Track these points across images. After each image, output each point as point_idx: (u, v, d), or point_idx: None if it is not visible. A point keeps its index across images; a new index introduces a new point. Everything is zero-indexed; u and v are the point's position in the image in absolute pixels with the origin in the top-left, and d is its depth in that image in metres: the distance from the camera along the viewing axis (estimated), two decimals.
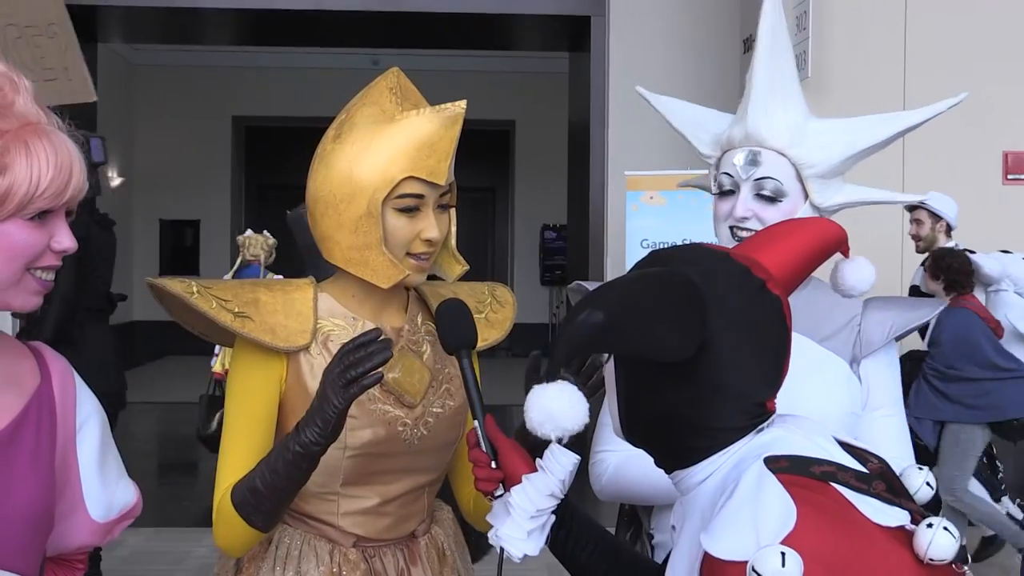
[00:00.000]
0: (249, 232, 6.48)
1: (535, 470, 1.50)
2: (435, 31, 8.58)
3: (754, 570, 1.07)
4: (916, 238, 5.53)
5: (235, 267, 6.41)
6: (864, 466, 1.23)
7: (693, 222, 6.18)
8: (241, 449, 1.66)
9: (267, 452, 1.67)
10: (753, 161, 1.91)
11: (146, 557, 5.46)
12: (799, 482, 1.16)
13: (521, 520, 1.47)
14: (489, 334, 1.86)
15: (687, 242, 6.25)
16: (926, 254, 5.40)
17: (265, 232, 6.37)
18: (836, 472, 1.19)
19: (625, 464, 1.98)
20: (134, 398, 11.46)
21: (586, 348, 1.24)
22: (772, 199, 1.89)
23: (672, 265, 1.28)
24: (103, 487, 1.56)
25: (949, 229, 5.50)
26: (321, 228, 1.70)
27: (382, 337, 1.52)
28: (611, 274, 7.30)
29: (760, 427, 1.28)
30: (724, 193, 1.94)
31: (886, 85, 5.88)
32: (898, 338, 1.93)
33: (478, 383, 1.61)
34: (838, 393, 1.85)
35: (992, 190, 5.99)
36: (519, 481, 1.49)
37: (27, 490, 1.42)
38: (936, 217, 5.50)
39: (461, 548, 1.90)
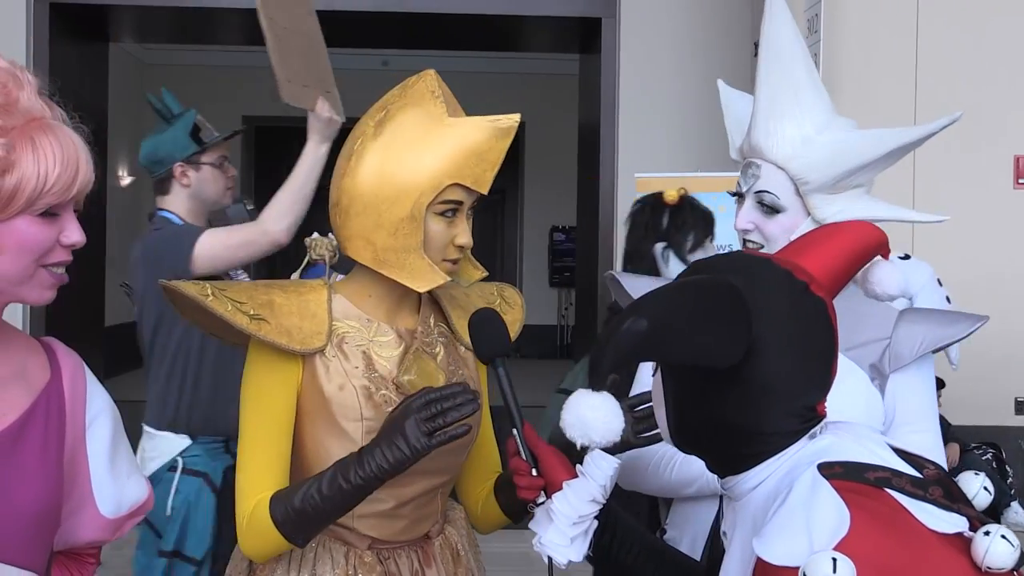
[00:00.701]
0: (316, 235, 6.62)
1: (575, 476, 1.51)
2: (445, 32, 8.57)
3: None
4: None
5: (301, 267, 6.72)
6: (920, 472, 1.22)
7: None
8: (262, 455, 1.66)
9: (288, 457, 1.68)
10: (750, 173, 1.91)
11: None
12: (853, 488, 1.15)
13: (564, 527, 1.48)
14: None
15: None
16: None
17: (330, 235, 6.50)
18: (891, 478, 1.18)
19: (634, 456, 2.01)
20: (137, 398, 11.48)
21: (632, 356, 1.24)
22: (770, 212, 1.89)
23: (714, 273, 1.28)
24: (113, 483, 1.56)
25: None
26: (353, 227, 1.68)
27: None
28: None
29: (812, 432, 1.27)
30: (738, 200, 1.96)
31: (897, 87, 5.86)
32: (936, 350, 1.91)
33: (514, 392, 1.62)
34: (853, 404, 1.83)
35: (1002, 195, 5.95)
36: (560, 488, 1.50)
37: (33, 486, 1.43)
38: None
39: (474, 548, 1.90)
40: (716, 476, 1.95)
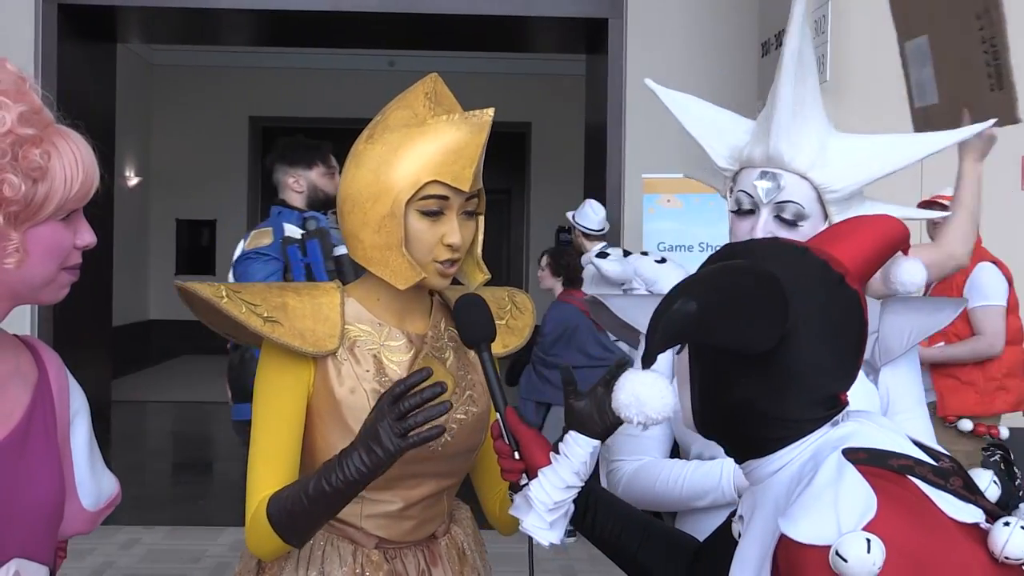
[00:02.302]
0: None
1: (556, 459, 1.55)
2: (452, 33, 8.59)
3: (838, 554, 1.09)
4: (568, 243, 6.17)
5: None
6: (937, 463, 1.24)
7: (710, 225, 6.18)
8: (271, 456, 1.68)
9: (297, 458, 1.70)
10: (775, 185, 1.87)
11: (162, 556, 5.48)
12: (878, 473, 1.17)
13: (542, 512, 1.54)
14: (509, 340, 1.88)
15: (704, 245, 6.21)
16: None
17: None
18: (914, 466, 1.20)
19: (638, 473, 2.01)
20: (150, 398, 11.49)
21: (680, 337, 1.26)
22: (792, 223, 1.86)
23: (752, 259, 1.30)
24: (92, 477, 1.59)
25: (588, 235, 6.17)
26: (348, 225, 1.71)
27: (435, 380, 1.54)
28: None
29: (835, 420, 1.29)
30: (742, 212, 1.91)
31: (904, 87, 5.85)
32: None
33: (499, 376, 1.65)
34: (853, 402, 1.83)
35: (1010, 196, 5.95)
36: (541, 469, 1.55)
37: (46, 481, 1.45)
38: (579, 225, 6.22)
39: (480, 548, 1.92)
40: (732, 478, 1.96)
